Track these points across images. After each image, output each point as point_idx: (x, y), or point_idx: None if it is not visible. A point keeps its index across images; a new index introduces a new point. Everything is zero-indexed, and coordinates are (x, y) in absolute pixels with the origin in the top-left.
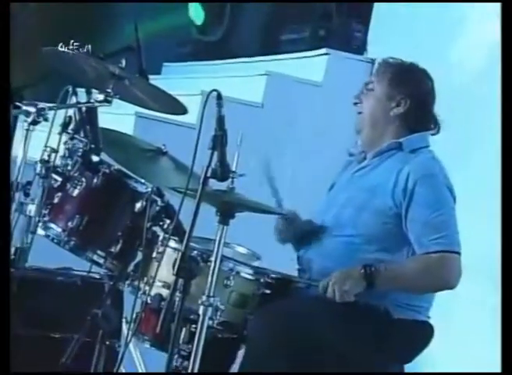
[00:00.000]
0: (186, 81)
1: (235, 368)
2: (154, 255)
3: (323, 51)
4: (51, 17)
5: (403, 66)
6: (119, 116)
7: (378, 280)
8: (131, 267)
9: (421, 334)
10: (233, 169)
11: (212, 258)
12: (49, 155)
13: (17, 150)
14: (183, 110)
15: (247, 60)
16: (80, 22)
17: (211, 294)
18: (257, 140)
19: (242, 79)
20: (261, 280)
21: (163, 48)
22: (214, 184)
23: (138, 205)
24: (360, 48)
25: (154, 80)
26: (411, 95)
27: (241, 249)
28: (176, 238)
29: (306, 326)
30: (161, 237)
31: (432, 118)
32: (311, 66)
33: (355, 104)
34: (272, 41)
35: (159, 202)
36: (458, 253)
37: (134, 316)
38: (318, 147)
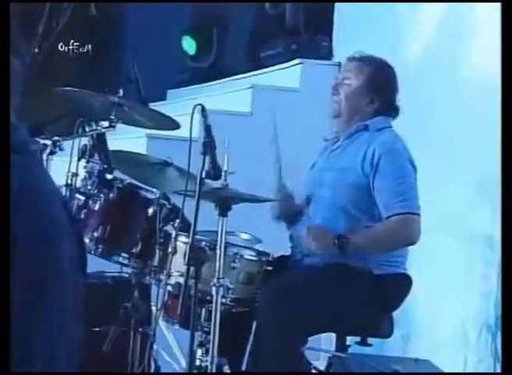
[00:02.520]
0: (188, 102)
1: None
2: (170, 250)
3: (297, 61)
4: (57, 54)
5: (377, 66)
6: (133, 139)
7: (349, 248)
8: (153, 263)
9: (401, 285)
10: (225, 168)
11: (217, 246)
12: (71, 179)
13: None
14: (176, 126)
15: (235, 78)
16: (85, 57)
17: (221, 276)
18: (248, 142)
19: (232, 94)
20: (263, 259)
21: (165, 77)
22: (212, 184)
23: (150, 210)
24: (328, 55)
25: (160, 105)
26: (382, 93)
27: (244, 235)
28: (185, 234)
29: (304, 291)
30: (173, 235)
31: (393, 105)
32: (288, 75)
33: (333, 94)
34: (254, 59)
35: (167, 205)
36: (418, 214)
37: (160, 303)
38: (302, 142)
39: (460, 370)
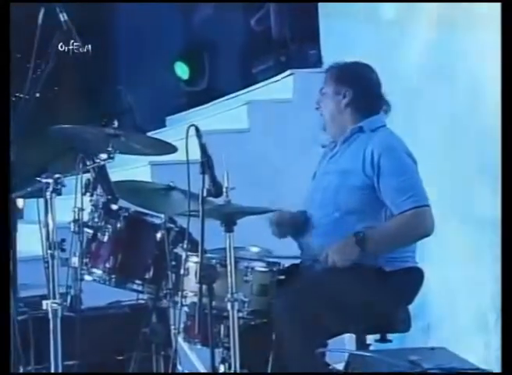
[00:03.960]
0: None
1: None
2: (182, 271)
3: (288, 72)
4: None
5: (345, 65)
6: (137, 169)
7: (368, 244)
8: (167, 286)
9: (413, 278)
10: (226, 185)
11: (227, 262)
12: (78, 214)
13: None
14: (173, 149)
15: (230, 96)
16: (84, 88)
17: (234, 290)
18: (249, 157)
19: (229, 112)
20: (275, 269)
21: (162, 104)
22: (215, 201)
23: (158, 235)
24: (317, 62)
25: (161, 132)
26: (354, 86)
27: (254, 249)
28: (195, 254)
29: (318, 294)
30: (183, 256)
31: (381, 102)
32: (281, 87)
33: (316, 109)
34: (247, 76)
35: (174, 228)
36: (428, 205)
37: (179, 325)
38: (299, 150)
39: (482, 355)
